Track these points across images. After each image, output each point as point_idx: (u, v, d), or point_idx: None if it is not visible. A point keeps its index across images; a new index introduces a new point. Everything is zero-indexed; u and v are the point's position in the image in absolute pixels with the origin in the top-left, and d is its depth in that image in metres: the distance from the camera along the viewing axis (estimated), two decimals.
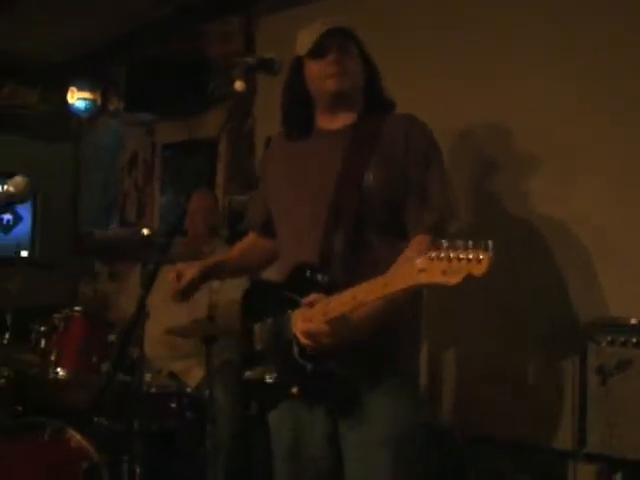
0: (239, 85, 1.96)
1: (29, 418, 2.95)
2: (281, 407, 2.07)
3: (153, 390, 3.10)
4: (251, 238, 2.40)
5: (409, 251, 1.87)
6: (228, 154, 4.48)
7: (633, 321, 2.46)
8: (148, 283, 1.87)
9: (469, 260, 1.45)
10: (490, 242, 1.44)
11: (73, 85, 5.52)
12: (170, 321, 3.31)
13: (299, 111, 2.15)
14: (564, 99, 2.79)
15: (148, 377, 3.08)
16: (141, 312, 2.10)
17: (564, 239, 2.77)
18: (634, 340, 2.36)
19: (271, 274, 2.36)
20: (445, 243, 1.49)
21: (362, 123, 2.08)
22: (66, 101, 5.53)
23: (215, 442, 2.99)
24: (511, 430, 2.84)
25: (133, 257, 3.29)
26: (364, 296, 1.72)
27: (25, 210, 5.54)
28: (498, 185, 2.98)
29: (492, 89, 2.99)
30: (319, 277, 1.93)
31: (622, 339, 2.38)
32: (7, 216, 5.41)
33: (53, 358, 3.07)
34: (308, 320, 1.85)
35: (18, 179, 1.98)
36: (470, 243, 1.46)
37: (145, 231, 2.88)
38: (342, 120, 2.10)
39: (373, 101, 2.12)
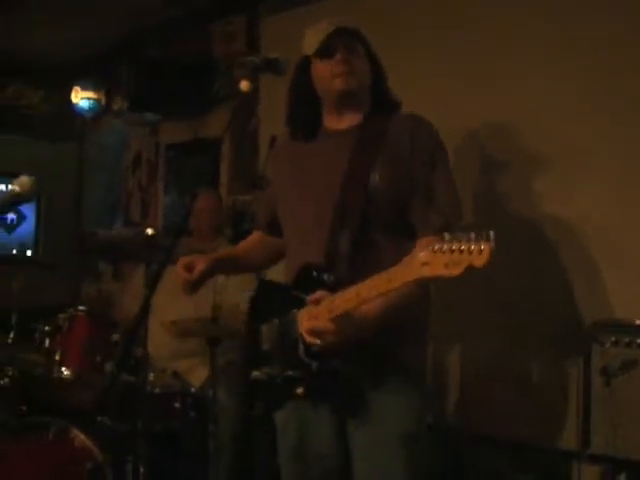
0: (245, 85, 1.96)
1: (33, 418, 2.95)
2: (287, 407, 2.08)
3: (157, 390, 3.10)
4: (257, 236, 2.41)
5: (413, 252, 1.88)
6: (232, 154, 4.48)
7: (637, 322, 2.46)
8: (153, 283, 1.88)
9: (470, 251, 1.45)
10: (491, 232, 1.44)
11: (77, 85, 5.53)
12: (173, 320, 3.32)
13: (305, 111, 2.15)
14: (566, 99, 2.78)
15: (152, 377, 3.08)
16: (145, 312, 2.10)
17: (568, 239, 2.77)
18: (638, 341, 2.35)
19: (277, 274, 2.36)
20: (447, 236, 1.50)
21: (368, 123, 2.08)
22: (70, 101, 5.54)
23: (218, 442, 2.99)
24: (514, 430, 2.83)
25: (137, 257, 3.30)
26: (368, 292, 1.72)
27: (29, 210, 5.54)
28: (501, 185, 2.98)
29: (493, 89, 2.98)
30: (325, 277, 1.93)
31: (626, 340, 2.37)
32: (11, 215, 5.41)
33: (57, 358, 3.08)
34: (314, 318, 1.85)
35: (23, 179, 1.98)
36: (472, 235, 1.46)
37: (149, 231, 2.88)
38: (348, 120, 2.10)
39: (379, 101, 2.13)
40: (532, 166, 2.86)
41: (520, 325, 2.85)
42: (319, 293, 1.87)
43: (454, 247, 1.48)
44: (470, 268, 1.46)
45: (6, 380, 3.16)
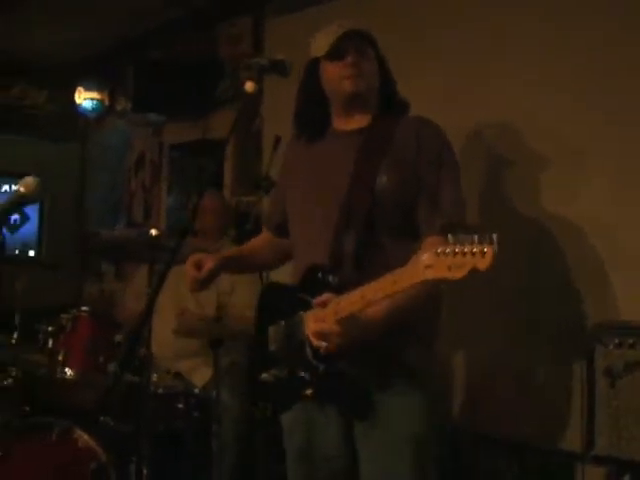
0: (250, 86, 1.97)
1: (37, 418, 2.95)
2: (295, 409, 2.08)
3: (160, 390, 3.10)
4: (265, 236, 2.42)
5: (418, 254, 1.88)
6: (235, 155, 4.48)
7: None
8: (158, 283, 1.88)
9: (473, 254, 1.46)
10: (495, 235, 1.44)
11: (80, 85, 5.54)
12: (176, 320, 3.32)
13: (314, 112, 2.16)
14: (570, 99, 2.77)
15: (155, 377, 3.08)
16: (150, 312, 2.10)
17: (570, 239, 2.75)
18: None
19: (279, 274, 2.36)
20: (451, 238, 1.50)
21: (376, 125, 2.09)
22: (73, 101, 5.55)
23: (221, 443, 3.00)
24: (518, 431, 2.82)
25: (140, 257, 3.29)
26: (373, 294, 1.73)
27: (32, 210, 5.54)
28: (505, 185, 2.97)
29: (488, 88, 2.98)
30: (330, 278, 1.94)
31: (630, 341, 2.37)
32: (14, 216, 5.41)
33: (60, 358, 3.08)
34: (320, 320, 1.85)
35: (29, 179, 1.98)
36: (475, 237, 1.46)
37: (153, 232, 2.88)
38: (357, 121, 2.11)
39: (387, 103, 2.14)
40: (533, 166, 2.85)
41: (523, 325, 2.85)
42: (325, 296, 1.87)
43: (457, 250, 1.48)
44: (474, 271, 1.46)
45: (9, 380, 3.16)
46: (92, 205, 6.04)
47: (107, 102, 5.61)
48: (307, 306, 1.94)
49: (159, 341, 3.07)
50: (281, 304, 2.10)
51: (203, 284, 2.20)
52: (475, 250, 1.45)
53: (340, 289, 1.86)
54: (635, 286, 2.59)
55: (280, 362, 2.06)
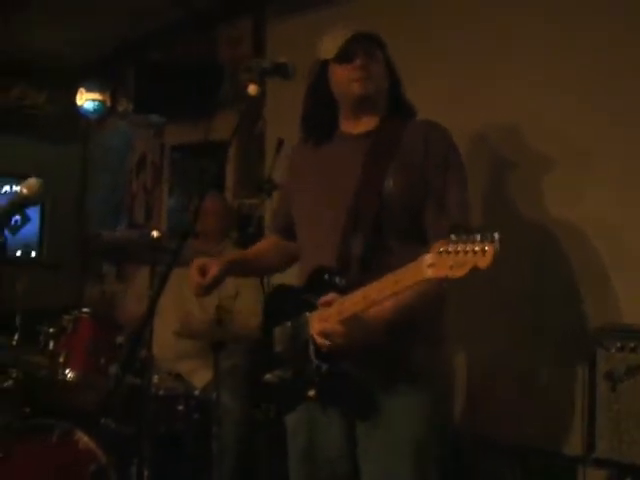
0: (253, 89, 1.97)
1: (37, 420, 2.94)
2: (298, 410, 2.09)
3: (161, 392, 3.10)
4: (272, 239, 2.42)
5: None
6: (238, 157, 4.47)
7: None
8: (160, 285, 1.88)
9: (475, 252, 1.47)
10: (496, 234, 1.46)
11: (82, 86, 5.54)
12: (179, 322, 3.32)
13: (322, 115, 2.17)
14: (576, 100, 2.77)
15: (155, 379, 3.08)
16: (152, 314, 2.10)
17: (573, 240, 2.75)
18: None
19: (286, 279, 2.36)
20: (453, 237, 1.51)
21: (383, 128, 2.10)
22: (74, 102, 5.55)
23: (221, 445, 2.99)
24: (520, 434, 2.82)
25: (141, 259, 3.29)
26: (376, 294, 1.74)
27: (33, 211, 5.54)
28: (510, 186, 2.97)
29: (494, 89, 2.98)
30: (337, 280, 1.95)
31: (632, 345, 2.36)
32: (15, 216, 5.41)
33: (62, 360, 3.07)
34: (324, 320, 1.86)
35: (31, 181, 1.97)
36: (477, 236, 1.47)
37: (155, 233, 2.88)
38: (364, 124, 2.12)
39: (395, 106, 2.15)
40: (538, 167, 2.85)
41: (526, 328, 2.84)
42: (330, 295, 1.88)
43: (459, 249, 1.49)
44: (475, 269, 1.47)
45: (10, 382, 3.15)
46: (93, 206, 6.04)
47: (108, 103, 5.61)
48: (313, 307, 1.95)
49: (160, 343, 3.07)
50: (287, 306, 2.10)
51: (207, 289, 2.19)
52: (476, 249, 1.47)
53: (346, 291, 1.87)
54: (638, 287, 2.59)
55: (285, 363, 2.07)
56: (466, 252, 1.48)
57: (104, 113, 5.64)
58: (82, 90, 5.58)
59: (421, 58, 3.14)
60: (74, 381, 3.08)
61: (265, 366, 2.16)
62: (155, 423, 2.91)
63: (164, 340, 3.18)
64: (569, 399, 2.67)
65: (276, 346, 2.13)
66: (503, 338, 2.87)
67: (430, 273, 1.56)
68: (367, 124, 2.11)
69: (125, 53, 5.29)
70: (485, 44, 3.02)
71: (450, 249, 1.51)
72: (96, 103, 5.59)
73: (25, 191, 1.98)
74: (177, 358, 3.37)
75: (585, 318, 2.69)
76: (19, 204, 2.01)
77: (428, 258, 1.56)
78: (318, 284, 1.98)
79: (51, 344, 3.13)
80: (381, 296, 1.73)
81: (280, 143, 3.06)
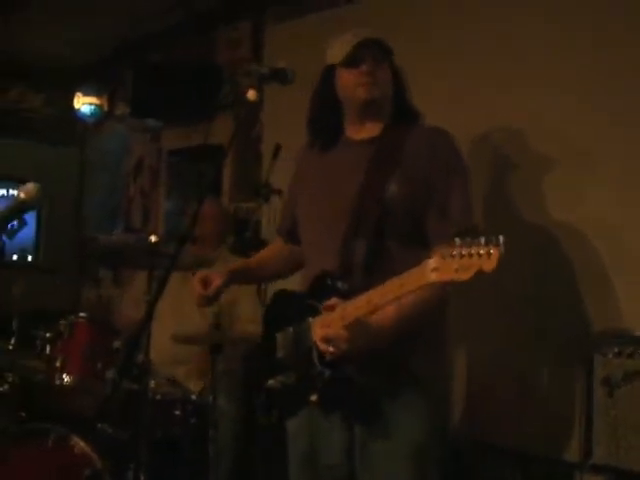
0: (252, 94, 1.97)
1: (33, 424, 2.93)
2: (300, 415, 2.09)
3: (158, 397, 3.09)
4: (277, 245, 2.44)
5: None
6: (234, 161, 4.47)
7: (639, 333, 2.46)
8: (158, 290, 1.88)
9: (480, 255, 1.48)
10: (501, 237, 1.46)
11: (79, 90, 5.53)
12: (176, 327, 3.32)
13: (327, 119, 2.18)
14: (576, 101, 2.78)
15: (152, 384, 3.07)
16: (150, 319, 2.10)
17: (578, 242, 2.74)
18: None
19: (288, 283, 2.37)
20: (458, 241, 1.51)
21: (388, 133, 2.11)
22: (72, 105, 5.54)
23: (218, 448, 2.99)
24: (519, 439, 2.82)
25: (137, 263, 3.29)
26: (380, 299, 1.75)
27: (29, 214, 5.49)
28: (510, 187, 2.96)
29: (498, 90, 2.98)
30: (339, 285, 1.95)
31: (629, 351, 2.37)
32: (13, 221, 5.38)
33: (58, 364, 3.06)
34: (326, 326, 1.87)
35: (29, 186, 1.97)
36: (482, 239, 1.48)
37: (152, 238, 2.88)
38: (369, 130, 2.13)
39: (400, 111, 2.16)
40: (537, 167, 2.85)
41: (526, 331, 2.83)
42: (333, 300, 1.89)
43: (464, 252, 1.50)
44: (479, 273, 1.48)
45: (6, 386, 3.14)
46: (90, 210, 6.03)
47: (106, 107, 5.61)
48: (316, 312, 1.96)
49: (156, 347, 3.06)
50: (290, 311, 2.11)
51: (210, 301, 2.23)
52: (481, 252, 1.48)
53: (349, 295, 1.88)
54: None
55: (287, 368, 2.07)
56: (470, 255, 1.49)
57: (101, 117, 5.64)
58: (79, 94, 5.57)
59: (421, 59, 3.14)
60: (71, 386, 3.07)
61: (267, 371, 2.16)
62: (152, 428, 2.90)
63: (160, 344, 3.18)
64: (568, 404, 2.66)
65: (278, 351, 2.13)
66: (503, 341, 2.86)
67: (434, 277, 1.56)
68: (371, 130, 2.12)
69: (123, 55, 5.29)
70: (485, 44, 3.03)
71: (454, 253, 1.52)
72: (93, 107, 5.59)
73: (23, 196, 1.97)
74: (173, 363, 3.36)
75: (586, 321, 2.68)
76: (17, 209, 2.00)
77: (432, 262, 1.57)
78: (321, 289, 1.98)
79: (48, 348, 3.11)
80: (384, 300, 1.74)
81: (278, 148, 3.05)
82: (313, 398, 1.93)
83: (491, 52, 3.01)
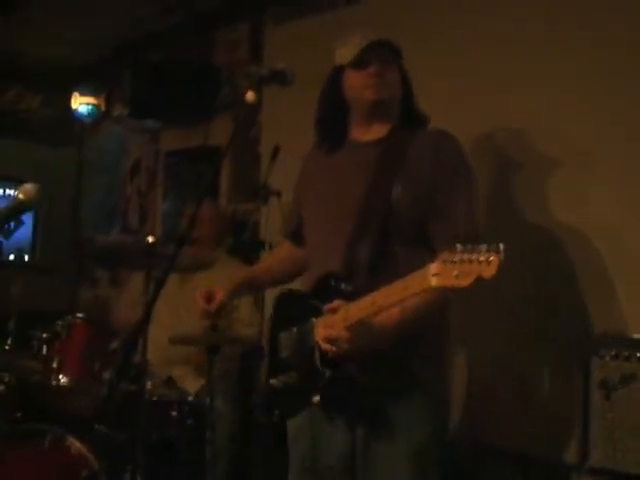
0: (250, 96, 1.97)
1: (29, 425, 2.93)
2: (301, 416, 2.09)
3: (154, 398, 3.09)
4: (284, 249, 2.45)
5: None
6: (232, 162, 4.47)
7: (636, 335, 2.46)
8: (155, 291, 1.88)
9: (480, 262, 1.49)
10: (501, 245, 1.48)
11: (76, 90, 5.52)
12: (172, 328, 3.32)
13: (334, 121, 2.18)
14: (576, 100, 2.78)
15: (149, 385, 3.07)
16: (147, 320, 2.10)
17: (578, 242, 2.73)
18: (638, 354, 2.35)
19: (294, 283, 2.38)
20: (459, 247, 1.52)
21: (394, 136, 2.11)
22: (70, 106, 5.53)
23: (215, 449, 2.99)
24: (516, 441, 2.82)
25: (134, 264, 3.28)
26: (383, 300, 1.75)
27: (26, 214, 5.50)
28: (510, 187, 2.96)
29: (498, 90, 2.98)
30: (343, 286, 1.96)
31: (626, 353, 2.37)
32: (11, 222, 5.37)
33: (55, 365, 3.06)
34: (329, 326, 1.87)
35: (28, 187, 1.97)
36: (483, 246, 1.49)
37: (150, 239, 2.87)
38: (375, 132, 2.13)
39: (407, 114, 2.16)
40: (537, 168, 2.85)
41: (526, 334, 2.83)
42: (336, 302, 1.89)
43: (464, 258, 1.51)
44: (479, 279, 1.49)
45: (2, 387, 3.14)
46: (87, 210, 6.02)
47: (103, 107, 5.60)
48: (319, 313, 1.96)
49: (153, 348, 3.06)
50: (293, 311, 2.12)
51: (214, 316, 2.27)
52: (481, 258, 1.49)
53: (352, 297, 1.88)
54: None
55: (290, 369, 2.08)
56: (471, 262, 1.50)
57: (98, 117, 5.62)
58: (76, 94, 5.56)
59: (420, 59, 3.12)
60: (67, 386, 3.07)
61: (269, 371, 2.17)
62: (148, 429, 2.90)
63: (157, 345, 3.17)
64: (567, 406, 2.66)
65: (281, 351, 2.14)
66: (504, 343, 2.86)
67: (435, 282, 1.57)
68: (378, 131, 2.13)
69: (122, 56, 5.28)
70: (485, 44, 3.03)
71: (455, 259, 1.53)
72: (90, 107, 5.58)
73: (22, 196, 1.97)
74: (169, 363, 3.36)
75: (587, 323, 2.67)
76: (16, 209, 2.00)
77: (433, 267, 1.58)
78: (325, 290, 1.99)
79: (44, 349, 3.12)
80: (388, 303, 1.75)
81: (276, 149, 3.06)
82: (315, 399, 1.93)
83: (491, 52, 3.01)
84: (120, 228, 5.55)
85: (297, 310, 2.09)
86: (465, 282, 1.51)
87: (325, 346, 1.88)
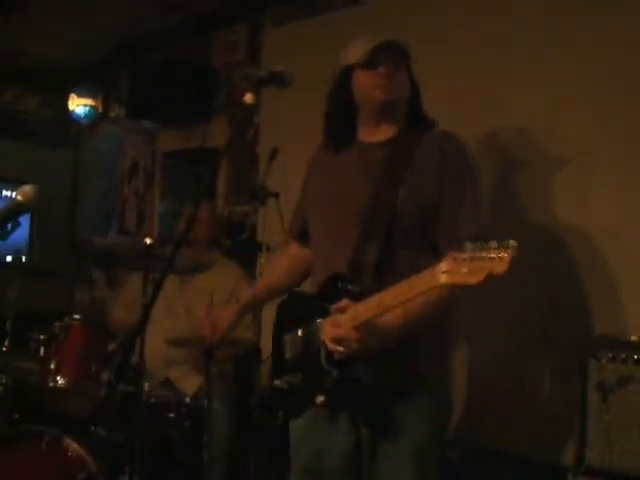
0: (249, 98, 1.97)
1: (27, 426, 2.93)
2: (304, 417, 2.10)
3: (152, 400, 3.09)
4: (290, 255, 2.43)
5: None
6: (230, 164, 4.47)
7: (633, 338, 2.46)
8: (154, 293, 1.88)
9: (491, 259, 1.49)
10: (512, 241, 1.48)
11: (73, 92, 5.52)
12: (170, 330, 3.32)
13: (342, 121, 2.18)
14: (577, 100, 2.78)
15: (146, 386, 3.07)
16: (145, 322, 2.10)
17: (578, 244, 2.74)
18: (635, 356, 2.35)
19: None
20: (469, 245, 1.53)
21: (401, 137, 2.12)
22: (67, 107, 5.53)
23: (212, 453, 2.99)
24: (511, 444, 2.82)
25: (133, 266, 3.28)
26: (391, 300, 1.76)
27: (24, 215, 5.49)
28: (508, 188, 2.96)
29: (498, 90, 2.99)
30: (350, 287, 1.96)
31: (623, 356, 2.37)
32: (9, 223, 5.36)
33: (52, 367, 3.06)
34: (337, 326, 1.87)
35: (27, 188, 1.97)
36: (493, 243, 1.50)
37: (148, 240, 2.87)
38: (383, 133, 2.14)
39: (414, 117, 2.16)
40: (537, 168, 2.86)
41: (527, 335, 2.83)
42: (343, 302, 1.89)
43: (475, 256, 1.52)
44: (490, 276, 1.49)
45: (0, 388, 3.14)
46: (84, 212, 6.01)
47: (100, 109, 5.60)
48: (325, 314, 1.96)
49: (150, 349, 3.06)
50: (298, 313, 2.12)
51: (220, 341, 2.38)
52: (492, 255, 1.49)
53: (360, 298, 1.88)
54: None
55: (294, 370, 2.08)
56: (482, 259, 1.50)
57: (95, 119, 5.62)
58: (73, 95, 5.56)
59: (420, 59, 3.13)
60: (65, 388, 3.07)
61: (274, 372, 2.18)
62: (146, 430, 2.90)
63: (153, 346, 3.17)
64: (565, 408, 2.66)
65: (286, 352, 2.14)
66: (505, 343, 2.86)
67: (445, 279, 1.58)
68: (385, 133, 2.13)
69: (120, 57, 5.28)
70: (485, 44, 3.03)
71: (465, 256, 1.53)
72: (87, 108, 5.58)
73: (20, 198, 1.97)
74: (166, 364, 3.36)
75: (588, 324, 2.68)
76: (14, 211, 2.00)
77: (443, 265, 1.58)
78: (331, 291, 1.99)
79: (42, 350, 3.12)
80: (396, 302, 1.75)
81: (274, 151, 3.05)
82: (320, 399, 1.94)
83: (491, 52, 3.01)
84: (117, 229, 5.55)
85: (302, 311, 2.09)
86: (475, 279, 1.51)
87: (332, 346, 1.88)
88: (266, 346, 2.60)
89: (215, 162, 2.93)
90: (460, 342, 2.92)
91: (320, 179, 2.24)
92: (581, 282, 2.72)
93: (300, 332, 2.08)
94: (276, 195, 3.07)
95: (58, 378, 3.06)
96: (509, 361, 2.86)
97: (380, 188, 2.04)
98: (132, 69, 4.77)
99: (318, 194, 2.22)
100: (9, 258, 5.26)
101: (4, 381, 3.13)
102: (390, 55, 2.08)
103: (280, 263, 2.48)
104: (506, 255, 1.47)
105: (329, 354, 1.92)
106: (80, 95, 5.55)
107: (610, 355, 2.39)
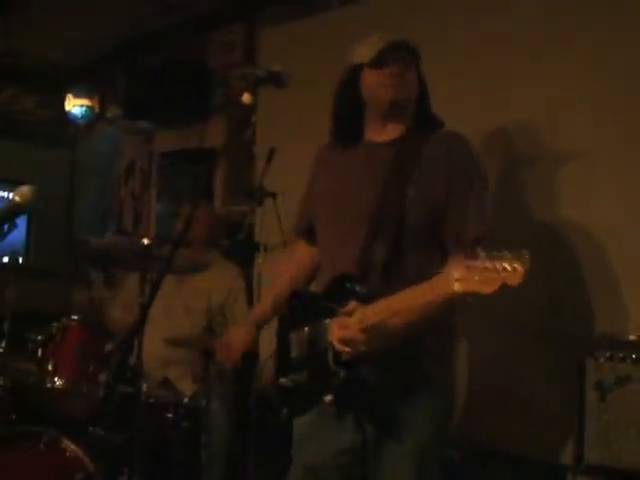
0: (247, 98, 1.97)
1: (25, 427, 2.92)
2: (307, 415, 2.10)
3: (150, 400, 3.09)
4: (296, 259, 2.43)
5: (447, 268, 1.90)
6: (227, 164, 4.47)
7: (632, 337, 2.46)
8: (152, 293, 1.88)
9: (505, 269, 1.50)
10: (525, 252, 1.49)
11: (70, 92, 5.52)
12: (168, 330, 3.32)
13: (349, 120, 2.18)
14: (577, 100, 2.78)
15: (145, 386, 3.06)
16: (143, 322, 2.10)
17: (578, 244, 2.74)
18: (633, 356, 2.36)
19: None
20: (482, 253, 1.53)
21: (408, 137, 2.12)
22: (64, 107, 5.53)
23: (210, 453, 2.98)
24: (510, 444, 2.82)
25: (129, 265, 3.28)
26: (399, 305, 1.77)
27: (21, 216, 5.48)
28: (508, 188, 2.96)
29: (498, 89, 2.98)
30: (358, 288, 1.96)
31: (621, 355, 2.37)
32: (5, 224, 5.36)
33: (50, 367, 3.06)
34: (344, 327, 1.88)
35: (24, 189, 1.96)
36: (507, 253, 1.50)
37: (145, 241, 2.87)
38: (390, 132, 2.14)
39: (422, 117, 2.16)
40: (537, 168, 2.85)
41: (527, 335, 2.82)
42: (352, 304, 1.90)
43: (489, 265, 1.52)
44: (503, 286, 1.50)
45: None
46: (82, 212, 6.01)
47: (97, 109, 5.59)
48: (332, 314, 1.97)
49: (148, 349, 3.06)
50: (305, 312, 2.12)
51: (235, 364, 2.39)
52: (506, 266, 1.50)
53: (367, 299, 1.89)
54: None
55: (300, 368, 2.08)
56: (496, 269, 1.51)
57: (92, 119, 5.62)
58: (70, 95, 5.55)
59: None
60: (62, 389, 3.07)
61: (279, 370, 2.18)
62: (144, 431, 2.89)
63: (151, 346, 3.17)
64: (563, 407, 2.66)
65: (292, 351, 2.14)
66: (504, 343, 2.86)
67: (458, 287, 1.58)
68: (392, 132, 2.13)
69: (116, 57, 5.27)
70: (485, 44, 3.03)
71: (479, 264, 1.53)
72: (84, 109, 5.57)
73: (18, 199, 1.97)
74: (165, 365, 3.36)
75: (590, 324, 2.67)
76: (12, 212, 2.00)
77: (456, 273, 1.58)
78: (338, 291, 1.99)
79: (39, 351, 3.11)
80: (404, 307, 1.77)
81: (272, 151, 3.05)
82: (328, 398, 1.95)
83: (491, 52, 3.01)
84: (114, 230, 5.54)
85: (308, 311, 2.10)
86: (489, 289, 1.52)
87: (340, 347, 1.89)
88: (265, 347, 2.59)
89: (212, 162, 2.93)
90: (460, 342, 2.92)
91: (327, 177, 2.24)
92: (581, 282, 2.72)
93: (307, 331, 2.08)
94: (273, 195, 3.07)
95: (56, 379, 3.05)
96: (509, 361, 2.86)
97: (388, 188, 2.04)
98: (129, 69, 4.77)
99: (325, 192, 2.22)
100: (6, 259, 5.26)
101: (2, 382, 3.13)
102: (399, 55, 2.08)
103: (284, 275, 2.46)
104: (521, 268, 1.49)
105: (336, 355, 1.93)
106: (77, 95, 5.55)
107: (608, 354, 2.39)
